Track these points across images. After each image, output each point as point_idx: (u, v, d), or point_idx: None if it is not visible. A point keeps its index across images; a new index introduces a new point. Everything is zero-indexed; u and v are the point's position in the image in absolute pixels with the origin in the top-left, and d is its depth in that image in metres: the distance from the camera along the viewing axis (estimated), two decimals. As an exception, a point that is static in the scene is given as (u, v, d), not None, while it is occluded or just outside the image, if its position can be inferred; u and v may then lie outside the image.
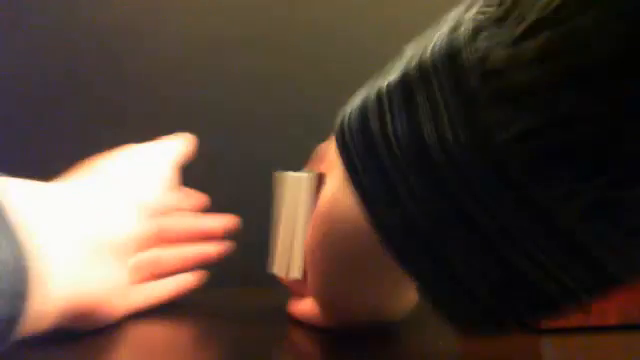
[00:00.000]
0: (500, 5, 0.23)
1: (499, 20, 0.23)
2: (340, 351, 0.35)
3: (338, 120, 0.30)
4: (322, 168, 0.36)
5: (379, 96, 0.27)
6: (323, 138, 0.54)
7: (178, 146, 0.43)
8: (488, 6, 0.24)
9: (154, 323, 0.40)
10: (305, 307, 0.39)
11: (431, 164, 0.24)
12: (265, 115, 0.58)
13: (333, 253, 0.33)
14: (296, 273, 0.39)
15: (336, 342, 0.35)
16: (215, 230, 0.45)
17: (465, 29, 0.24)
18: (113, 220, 0.35)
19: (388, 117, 0.26)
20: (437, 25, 0.26)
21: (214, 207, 0.47)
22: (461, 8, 0.25)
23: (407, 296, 0.36)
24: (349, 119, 0.28)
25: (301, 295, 0.41)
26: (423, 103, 0.24)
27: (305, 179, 0.38)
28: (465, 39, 0.23)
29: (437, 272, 0.25)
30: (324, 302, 0.36)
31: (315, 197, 0.38)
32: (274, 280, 0.42)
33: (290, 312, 0.42)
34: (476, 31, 0.23)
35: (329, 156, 0.35)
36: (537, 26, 0.21)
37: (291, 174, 0.39)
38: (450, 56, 0.24)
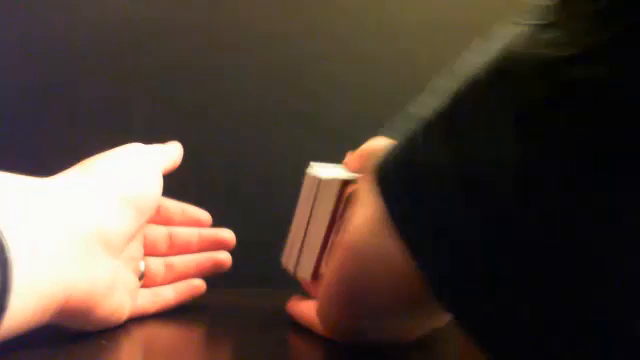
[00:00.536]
0: (548, 13, 0.22)
1: (550, 26, 0.21)
2: (345, 355, 0.35)
3: (374, 162, 0.28)
4: (359, 180, 0.35)
5: (419, 128, 0.25)
6: (323, 138, 0.54)
7: (168, 153, 0.43)
8: (534, 19, 0.22)
9: (156, 324, 0.40)
10: (307, 311, 0.39)
11: (488, 188, 0.22)
12: (266, 115, 0.58)
13: (361, 294, 0.31)
14: (306, 274, 0.39)
15: (340, 346, 0.35)
16: (226, 239, 0.45)
17: (512, 42, 0.22)
18: (103, 216, 0.35)
19: (432, 148, 0.24)
20: (469, 55, 0.24)
21: (215, 206, 0.47)
22: (499, 31, 0.24)
23: (426, 325, 0.36)
24: (388, 156, 0.26)
25: (307, 293, 0.41)
26: (472, 123, 0.22)
27: (334, 183, 0.38)
28: (514, 50, 0.22)
29: (501, 324, 0.23)
30: (332, 330, 0.35)
31: (340, 202, 0.38)
32: (279, 281, 0.42)
33: (289, 310, 0.42)
34: (528, 38, 0.22)
35: (366, 180, 0.33)
36: (605, 19, 0.20)
37: (322, 174, 0.39)
38: (499, 67, 0.22)
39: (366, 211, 0.30)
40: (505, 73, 0.22)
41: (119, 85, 0.56)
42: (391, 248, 0.26)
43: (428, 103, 0.25)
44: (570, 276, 0.21)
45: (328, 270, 0.34)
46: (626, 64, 0.19)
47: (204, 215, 0.46)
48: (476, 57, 0.24)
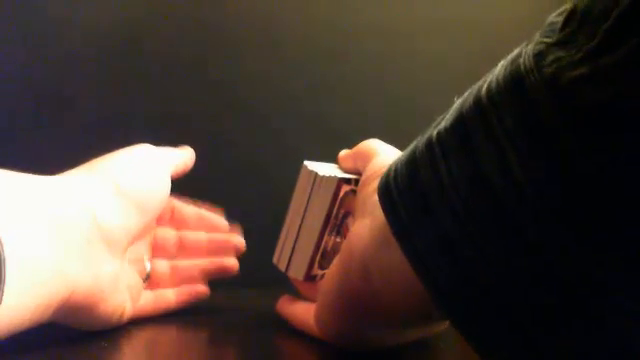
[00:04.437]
0: (562, 30, 0.21)
1: (564, 43, 0.21)
2: (342, 356, 0.35)
3: (382, 178, 0.27)
4: (359, 189, 0.35)
5: (429, 145, 0.24)
6: (324, 138, 0.54)
7: (178, 155, 0.43)
8: (547, 36, 0.22)
9: (157, 326, 0.41)
10: (300, 313, 0.39)
11: (499, 207, 0.21)
12: (267, 114, 0.58)
13: (362, 306, 0.31)
14: (298, 274, 0.39)
15: (336, 347, 0.35)
16: (236, 245, 0.45)
17: (525, 59, 0.21)
18: (104, 213, 0.35)
19: (442, 165, 0.23)
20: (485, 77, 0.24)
21: (214, 207, 0.47)
22: (515, 50, 0.23)
23: (428, 331, 0.36)
24: (395, 173, 0.26)
25: (298, 292, 0.41)
26: (482, 143, 0.22)
27: (331, 180, 0.38)
28: (527, 67, 0.21)
29: (505, 338, 0.22)
30: (330, 337, 0.35)
31: (336, 201, 0.37)
32: (279, 282, 0.42)
33: (280, 311, 0.42)
34: (539, 57, 0.21)
35: (366, 192, 0.33)
36: (616, 37, 0.19)
37: (317, 170, 0.39)
38: (510, 87, 0.21)
39: (370, 222, 0.30)
40: (512, 91, 0.21)
41: (119, 86, 0.56)
42: (395, 262, 0.26)
43: (438, 124, 0.25)
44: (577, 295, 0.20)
45: (327, 277, 0.34)
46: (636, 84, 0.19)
47: (221, 222, 0.46)
48: (487, 76, 0.23)
